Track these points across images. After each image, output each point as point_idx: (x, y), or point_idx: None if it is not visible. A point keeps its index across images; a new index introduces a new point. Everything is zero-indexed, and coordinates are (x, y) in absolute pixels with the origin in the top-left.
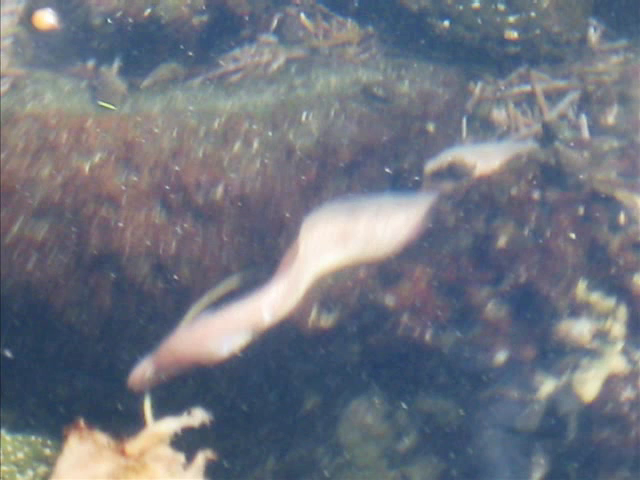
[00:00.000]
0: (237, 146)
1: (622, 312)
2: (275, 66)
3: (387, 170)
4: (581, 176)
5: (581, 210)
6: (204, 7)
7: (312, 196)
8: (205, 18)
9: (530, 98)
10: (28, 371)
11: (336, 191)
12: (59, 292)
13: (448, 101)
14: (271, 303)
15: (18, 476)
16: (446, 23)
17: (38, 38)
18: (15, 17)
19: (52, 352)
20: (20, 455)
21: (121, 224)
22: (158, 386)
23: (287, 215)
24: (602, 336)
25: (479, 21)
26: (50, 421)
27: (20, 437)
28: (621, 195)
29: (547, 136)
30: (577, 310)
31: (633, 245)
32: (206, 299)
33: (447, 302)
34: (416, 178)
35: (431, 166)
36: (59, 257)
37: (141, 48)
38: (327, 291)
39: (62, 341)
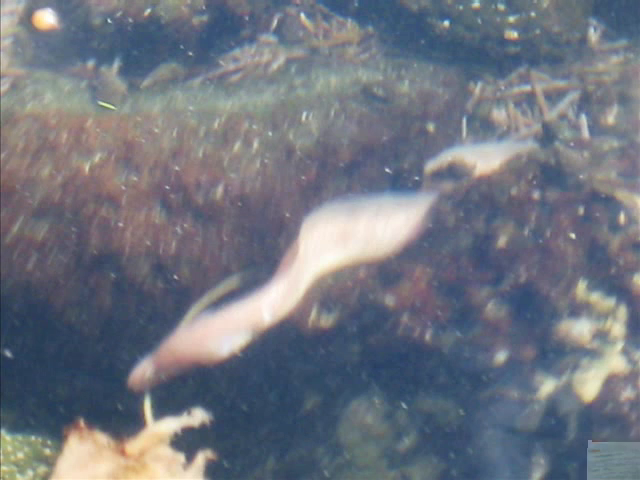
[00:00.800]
0: (237, 146)
1: (622, 312)
2: (275, 66)
3: (387, 170)
4: (581, 176)
5: (581, 210)
6: (204, 7)
7: (312, 196)
8: (205, 18)
9: (530, 98)
10: (28, 371)
11: (336, 191)
12: (59, 292)
13: (448, 101)
14: (271, 303)
15: (18, 476)
16: (446, 23)
17: (38, 38)
18: (15, 17)
19: (52, 352)
20: (20, 455)
21: (121, 224)
22: (158, 386)
23: (287, 215)
24: (602, 336)
25: (479, 21)
26: (50, 421)
27: (20, 437)
28: (621, 195)
29: (547, 136)
30: (577, 310)
31: (633, 245)
32: (206, 299)
33: (447, 302)
34: (416, 178)
35: (431, 166)
36: (59, 257)
37: (141, 48)
38: (327, 291)
39: (62, 341)
